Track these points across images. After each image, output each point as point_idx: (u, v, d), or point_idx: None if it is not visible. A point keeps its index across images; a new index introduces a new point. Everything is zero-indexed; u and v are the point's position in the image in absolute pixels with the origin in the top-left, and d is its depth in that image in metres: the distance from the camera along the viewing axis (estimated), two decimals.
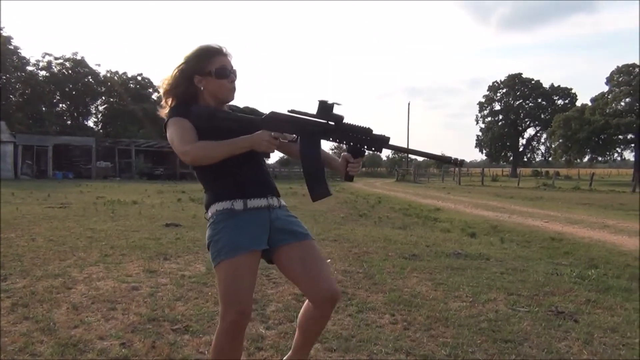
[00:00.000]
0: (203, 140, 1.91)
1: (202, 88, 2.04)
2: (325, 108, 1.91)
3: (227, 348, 1.99)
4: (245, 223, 1.99)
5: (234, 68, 2.07)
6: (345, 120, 1.94)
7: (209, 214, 2.05)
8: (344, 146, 2.01)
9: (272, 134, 1.90)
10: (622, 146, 48.01)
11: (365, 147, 1.96)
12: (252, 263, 1.99)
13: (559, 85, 62.88)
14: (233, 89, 2.06)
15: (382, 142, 1.95)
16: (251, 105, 2.20)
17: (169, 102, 2.09)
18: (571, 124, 45.85)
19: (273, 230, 2.05)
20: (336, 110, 1.92)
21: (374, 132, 1.96)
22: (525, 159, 66.39)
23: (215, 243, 1.99)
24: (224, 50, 2.06)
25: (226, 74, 2.02)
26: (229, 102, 2.10)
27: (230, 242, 1.96)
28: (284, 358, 2.43)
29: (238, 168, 2.01)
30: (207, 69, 2.01)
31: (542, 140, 64.84)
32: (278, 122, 1.95)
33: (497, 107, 65.52)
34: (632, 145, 46.24)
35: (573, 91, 62.23)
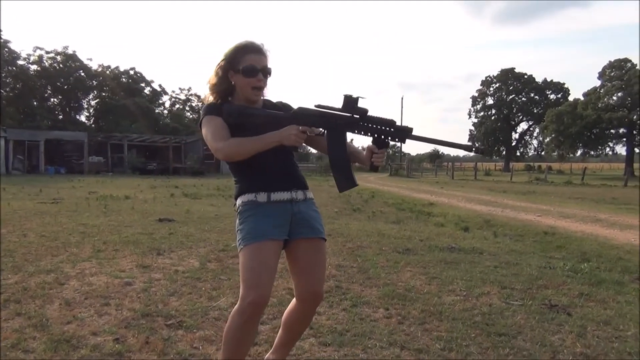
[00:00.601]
0: (235, 138, 2.00)
1: (233, 83, 2.11)
2: (350, 102, 1.98)
3: (240, 330, 2.03)
4: (268, 214, 2.08)
5: (269, 67, 2.12)
6: (369, 113, 2.00)
7: (236, 204, 2.16)
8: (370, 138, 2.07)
9: (300, 128, 1.97)
10: (614, 140, 48.23)
11: (390, 138, 2.02)
12: (272, 250, 2.06)
13: (551, 80, 63.01)
14: (257, 89, 2.10)
15: (405, 132, 2.01)
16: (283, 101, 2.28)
17: (214, 98, 2.16)
18: (563, 118, 46.01)
19: (293, 223, 2.13)
20: (360, 103, 1.98)
21: (397, 123, 2.02)
22: (518, 154, 66.60)
23: (240, 232, 2.10)
24: (260, 48, 2.11)
25: (252, 73, 2.07)
26: (253, 101, 2.14)
27: (253, 229, 2.05)
28: (265, 357, 2.49)
29: (266, 162, 2.08)
30: (238, 67, 2.07)
31: (535, 134, 65.05)
32: (305, 117, 2.02)
33: (490, 101, 65.62)
34: (624, 139, 46.49)
35: (566, 86, 62.39)
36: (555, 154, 52.61)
